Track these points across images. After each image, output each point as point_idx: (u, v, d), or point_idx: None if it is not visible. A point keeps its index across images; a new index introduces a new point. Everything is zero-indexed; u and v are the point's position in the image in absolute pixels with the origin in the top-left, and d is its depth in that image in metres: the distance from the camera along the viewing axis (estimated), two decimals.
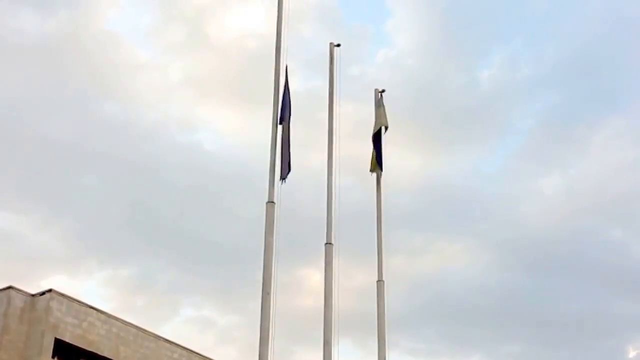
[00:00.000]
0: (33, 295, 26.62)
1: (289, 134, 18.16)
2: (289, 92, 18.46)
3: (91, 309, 28.21)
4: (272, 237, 16.51)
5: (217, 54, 72.03)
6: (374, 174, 20.70)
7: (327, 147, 19.14)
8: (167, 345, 30.74)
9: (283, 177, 17.74)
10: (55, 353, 26.58)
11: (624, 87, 76.21)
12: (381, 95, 21.08)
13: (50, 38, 65.15)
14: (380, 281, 19.18)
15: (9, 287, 25.71)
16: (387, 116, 20.64)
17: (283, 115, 18.18)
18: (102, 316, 28.14)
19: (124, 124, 66.96)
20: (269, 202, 16.87)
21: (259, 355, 15.22)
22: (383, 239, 19.79)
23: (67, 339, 26.81)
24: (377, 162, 20.34)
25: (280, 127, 18.06)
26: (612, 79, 75.35)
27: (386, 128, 20.61)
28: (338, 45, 20.28)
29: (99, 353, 27.76)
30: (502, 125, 74.27)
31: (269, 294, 15.71)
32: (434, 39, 70.33)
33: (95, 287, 65.63)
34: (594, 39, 73.23)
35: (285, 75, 18.35)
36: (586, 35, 74.27)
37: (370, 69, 62.07)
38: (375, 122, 20.70)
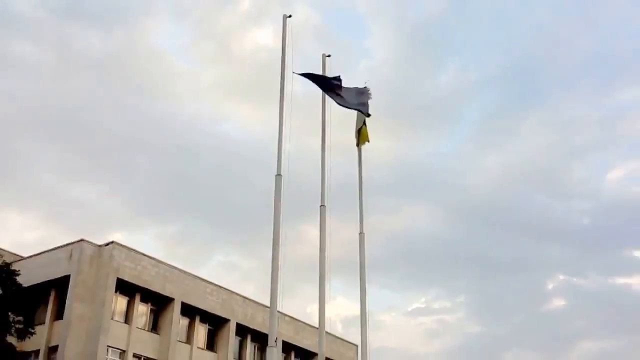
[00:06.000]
0: (100, 246, 30.34)
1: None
2: (319, 77, 19.62)
3: (144, 256, 32.01)
4: (280, 202, 17.30)
5: (238, 63, 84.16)
6: (358, 148, 21.23)
7: (321, 133, 20.32)
8: (203, 283, 34.92)
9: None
10: (117, 289, 31.00)
11: (546, 87, 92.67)
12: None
13: (110, 52, 77.51)
14: (361, 233, 20.10)
15: (81, 240, 29.50)
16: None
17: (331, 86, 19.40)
18: (153, 261, 31.93)
19: (169, 118, 79.57)
20: (277, 175, 17.67)
21: (271, 290, 16.18)
22: (363, 201, 20.65)
23: (127, 278, 30.98)
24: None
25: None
26: (537, 81, 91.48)
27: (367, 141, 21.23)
28: (329, 55, 20.98)
29: (151, 289, 31.82)
30: (454, 117, 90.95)
31: (278, 244, 16.65)
32: (404, 52, 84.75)
33: (148, 240, 78.31)
34: (524, 51, 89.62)
35: (286, 78, 19.11)
36: (518, 49, 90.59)
37: (355, 75, 66.74)
38: (360, 136, 21.21)
